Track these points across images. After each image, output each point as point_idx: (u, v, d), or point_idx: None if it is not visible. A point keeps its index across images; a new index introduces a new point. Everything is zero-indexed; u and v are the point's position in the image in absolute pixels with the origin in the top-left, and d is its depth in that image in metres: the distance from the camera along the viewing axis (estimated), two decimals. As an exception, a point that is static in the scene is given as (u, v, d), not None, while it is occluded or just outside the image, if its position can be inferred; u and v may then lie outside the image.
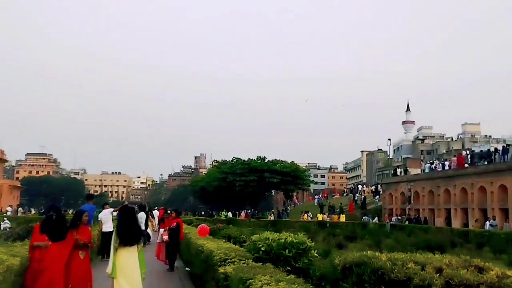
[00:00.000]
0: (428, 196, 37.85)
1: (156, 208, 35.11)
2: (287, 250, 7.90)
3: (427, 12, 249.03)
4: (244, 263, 6.35)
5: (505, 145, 39.29)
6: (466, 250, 20.13)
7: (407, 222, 35.42)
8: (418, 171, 45.08)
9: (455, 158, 37.31)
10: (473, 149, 51.93)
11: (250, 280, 4.75)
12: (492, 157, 33.67)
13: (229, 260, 6.68)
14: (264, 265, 5.86)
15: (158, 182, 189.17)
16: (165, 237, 12.14)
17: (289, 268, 6.56)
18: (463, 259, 4.14)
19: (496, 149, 34.64)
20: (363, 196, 52.26)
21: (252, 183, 56.02)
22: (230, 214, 47.65)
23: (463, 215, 33.46)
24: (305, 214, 43.43)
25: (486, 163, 33.17)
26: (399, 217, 38.67)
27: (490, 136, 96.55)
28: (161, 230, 13.52)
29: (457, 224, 32.77)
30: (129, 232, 6.92)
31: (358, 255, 4.72)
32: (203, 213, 66.92)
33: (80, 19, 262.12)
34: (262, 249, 7.98)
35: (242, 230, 12.97)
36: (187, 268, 12.07)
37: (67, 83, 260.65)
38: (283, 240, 8.12)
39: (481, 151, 38.04)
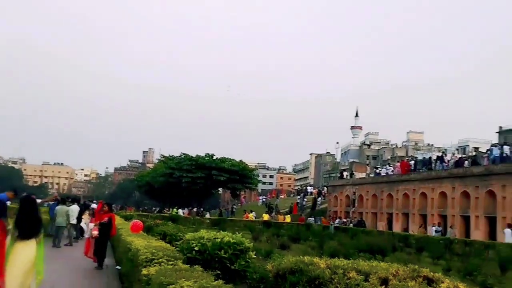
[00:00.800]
0: (372, 200, 38.47)
1: (95, 201, 33.47)
2: (222, 251, 7.29)
3: (378, 23, 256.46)
4: (171, 265, 5.68)
5: (441, 153, 40.62)
6: (406, 254, 20.35)
7: (351, 225, 35.79)
8: (364, 175, 45.85)
9: (399, 164, 38.10)
10: (416, 156, 53.53)
11: (171, 286, 4.10)
12: (433, 165, 34.70)
13: (155, 261, 5.98)
14: (192, 268, 5.22)
15: (103, 175, 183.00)
16: (95, 233, 11.20)
17: (218, 272, 5.92)
18: (411, 268, 3.68)
19: (438, 156, 35.69)
20: (304, 199, 52.54)
21: (199, 180, 55.04)
22: (181, 211, 46.28)
23: (404, 219, 34.19)
24: (251, 213, 42.99)
25: (427, 170, 34.07)
26: (344, 220, 39.03)
27: (432, 145, 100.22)
28: (91, 224, 12.53)
29: (398, 228, 33.41)
30: (26, 224, 6.18)
31: (293, 260, 4.17)
32: (146, 208, 65.17)
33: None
34: (196, 249, 7.32)
35: (180, 228, 12.24)
36: (118, 267, 11.19)
37: (8, 71, 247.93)
38: (219, 240, 7.50)
39: (424, 158, 39.07)
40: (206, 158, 57.85)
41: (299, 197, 56.85)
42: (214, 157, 58.75)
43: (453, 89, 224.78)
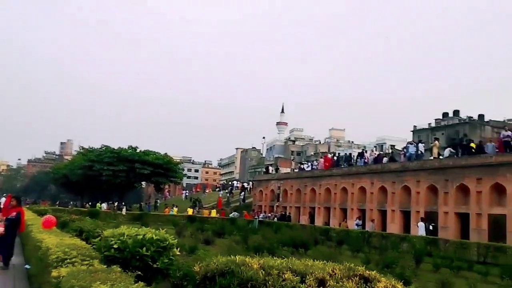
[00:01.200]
0: (296, 194, 39.19)
1: (4, 195, 31.07)
2: (144, 248, 6.84)
3: (308, 20, 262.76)
4: (86, 265, 5.15)
5: (361, 149, 42.46)
6: (328, 247, 20.84)
7: (276, 219, 36.26)
8: (288, 170, 46.64)
9: (322, 160, 39.15)
10: (337, 152, 55.53)
11: (84, 290, 3.64)
12: (353, 161, 36.15)
13: (68, 261, 5.40)
14: (109, 269, 4.74)
15: (15, 167, 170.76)
16: (0, 229, 10.15)
17: (139, 273, 5.48)
18: (347, 267, 3.53)
19: (358, 153, 37.15)
20: (231, 193, 52.55)
21: (121, 173, 53.04)
22: (104, 206, 44.01)
23: (325, 213, 35.18)
24: (175, 208, 42.19)
25: (348, 165, 35.36)
26: (268, 214, 39.46)
27: (352, 142, 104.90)
28: (-4, 220, 11.36)
29: (319, 222, 34.31)
30: None
31: (224, 261, 3.85)
32: (62, 202, 61.75)
33: None
34: (115, 246, 6.80)
35: (98, 224, 11.49)
36: (27, 266, 10.25)
37: None
38: (140, 237, 7.04)
39: (346, 154, 40.53)
40: (129, 151, 55.87)
41: (221, 192, 56.75)
42: (138, 150, 56.92)
43: (372, 90, 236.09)
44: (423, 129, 71.92)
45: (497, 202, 22.77)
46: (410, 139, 73.82)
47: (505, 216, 21.88)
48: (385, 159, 31.08)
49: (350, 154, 43.08)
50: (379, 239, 24.21)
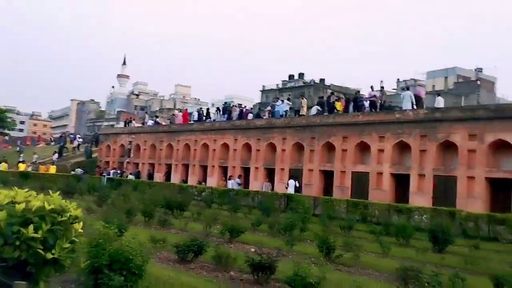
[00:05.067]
0: (150, 150, 36.26)
1: None
2: (31, 227, 4.07)
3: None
4: None
5: (223, 104, 40.97)
6: (200, 207, 19.06)
7: (132, 176, 33.16)
8: (139, 124, 43.06)
9: (181, 114, 36.80)
10: (202, 108, 53.16)
11: None
12: (215, 116, 34.68)
13: None
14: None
15: None
16: None
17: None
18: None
19: (218, 108, 35.79)
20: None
21: None
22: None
23: (183, 170, 33.24)
24: (4, 163, 35.68)
25: (211, 121, 33.76)
26: (118, 171, 35.90)
27: (198, 99, 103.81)
28: None
29: (176, 180, 32.29)
30: None
31: None
32: None
33: None
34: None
35: None
36: None
37: None
38: (22, 206, 4.21)
39: (207, 109, 38.66)
40: None
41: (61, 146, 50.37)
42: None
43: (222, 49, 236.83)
44: (271, 89, 73.94)
45: (361, 160, 23.53)
46: (259, 99, 75.82)
47: (368, 174, 22.69)
48: (250, 115, 30.09)
49: (201, 108, 41.19)
50: (243, 196, 23.25)
